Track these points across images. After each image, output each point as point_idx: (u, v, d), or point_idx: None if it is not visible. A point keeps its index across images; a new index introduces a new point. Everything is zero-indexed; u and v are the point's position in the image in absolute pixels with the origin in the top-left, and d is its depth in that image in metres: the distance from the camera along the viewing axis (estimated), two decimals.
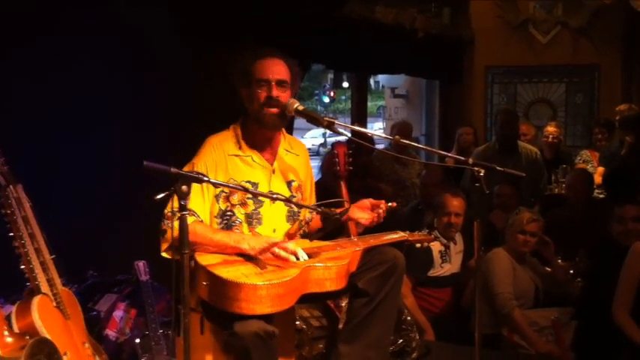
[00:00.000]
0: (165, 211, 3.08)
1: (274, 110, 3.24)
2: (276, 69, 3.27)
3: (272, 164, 3.34)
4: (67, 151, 4.79)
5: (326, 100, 25.26)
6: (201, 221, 3.14)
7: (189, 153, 3.33)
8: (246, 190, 3.06)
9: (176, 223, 2.93)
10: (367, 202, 3.48)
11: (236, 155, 3.27)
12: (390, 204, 3.50)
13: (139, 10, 4.93)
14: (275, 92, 3.23)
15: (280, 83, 3.26)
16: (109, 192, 4.89)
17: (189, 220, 2.78)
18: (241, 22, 5.61)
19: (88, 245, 4.74)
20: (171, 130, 5.11)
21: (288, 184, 3.39)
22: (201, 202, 3.15)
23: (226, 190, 3.19)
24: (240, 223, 3.23)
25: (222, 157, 3.24)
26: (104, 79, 4.92)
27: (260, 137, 3.32)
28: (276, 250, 3.03)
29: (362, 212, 3.45)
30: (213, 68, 5.37)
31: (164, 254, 3.13)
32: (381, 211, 3.45)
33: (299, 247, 3.09)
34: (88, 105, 4.85)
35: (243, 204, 3.24)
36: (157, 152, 3.29)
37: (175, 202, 3.00)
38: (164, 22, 5.11)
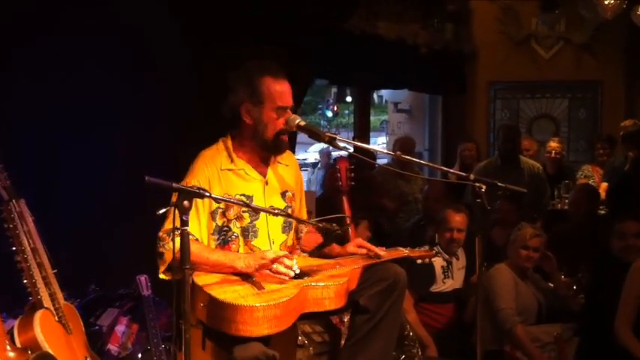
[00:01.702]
0: (160, 233, 3.06)
1: (286, 137, 3.26)
2: (290, 92, 3.25)
3: (265, 176, 3.32)
4: (69, 163, 4.78)
5: (329, 114, 25.27)
6: (197, 240, 3.11)
7: (190, 154, 3.31)
8: (247, 205, 3.05)
9: (171, 245, 2.94)
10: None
11: (229, 169, 3.24)
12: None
13: (139, 10, 4.93)
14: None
15: (292, 108, 3.27)
16: (111, 206, 4.88)
17: None
18: (244, 33, 5.61)
19: (89, 259, 4.73)
20: (171, 131, 5.10)
21: (282, 195, 3.38)
22: (196, 221, 3.11)
23: (222, 205, 3.17)
24: (237, 237, 3.21)
25: (215, 173, 3.21)
26: (104, 80, 4.91)
27: (254, 152, 3.30)
28: (275, 266, 3.02)
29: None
30: (213, 68, 5.36)
31: (162, 276, 3.11)
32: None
33: (293, 262, 3.08)
34: (88, 106, 4.84)
35: (239, 218, 3.22)
36: (158, 153, 3.29)
37: (169, 224, 3.00)
38: (164, 22, 5.11)
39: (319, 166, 12.78)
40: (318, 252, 3.44)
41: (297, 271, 3.05)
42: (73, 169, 4.77)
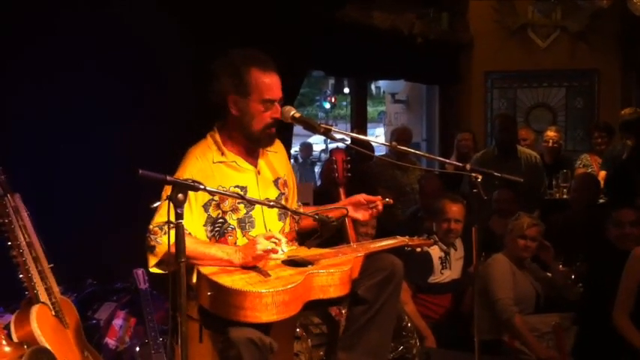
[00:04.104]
0: (151, 226, 3.04)
1: (274, 130, 3.25)
2: (279, 85, 3.23)
3: (256, 166, 3.32)
4: (66, 156, 4.78)
5: (327, 106, 25.21)
6: (190, 234, 3.07)
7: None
8: (241, 197, 3.04)
9: (164, 238, 2.93)
10: (361, 197, 3.47)
11: (221, 162, 3.24)
12: (387, 200, 3.48)
13: (138, 10, 4.92)
14: (279, 113, 3.23)
15: (280, 101, 3.25)
16: (108, 199, 4.87)
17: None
18: (240, 24, 5.59)
19: (86, 253, 4.72)
20: (171, 130, 5.08)
21: (275, 182, 3.38)
22: (188, 215, 3.08)
23: (216, 197, 3.16)
24: (234, 229, 3.20)
25: (208, 166, 3.20)
26: (104, 81, 4.91)
27: (243, 143, 3.29)
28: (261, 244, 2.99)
29: (358, 211, 3.47)
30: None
31: (154, 270, 3.10)
32: (377, 208, 3.46)
33: (282, 237, 3.09)
34: (87, 107, 4.84)
35: (235, 210, 3.21)
36: (158, 155, 3.28)
37: (160, 217, 3.00)
38: (164, 23, 5.10)
39: (299, 159, 12.80)
40: (314, 243, 3.43)
41: (283, 244, 3.07)
42: (71, 165, 4.78)
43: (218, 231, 3.20)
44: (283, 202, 3.39)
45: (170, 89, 5.23)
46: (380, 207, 3.47)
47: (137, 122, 5.07)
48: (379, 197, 3.49)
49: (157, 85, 5.21)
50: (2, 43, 4.45)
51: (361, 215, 3.49)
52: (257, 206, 3.24)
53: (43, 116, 4.67)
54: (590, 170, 7.69)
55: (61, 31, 4.69)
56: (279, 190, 3.39)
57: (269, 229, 3.28)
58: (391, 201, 3.51)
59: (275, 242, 3.03)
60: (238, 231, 3.21)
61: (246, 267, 3.01)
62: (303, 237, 3.55)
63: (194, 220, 3.14)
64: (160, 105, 5.20)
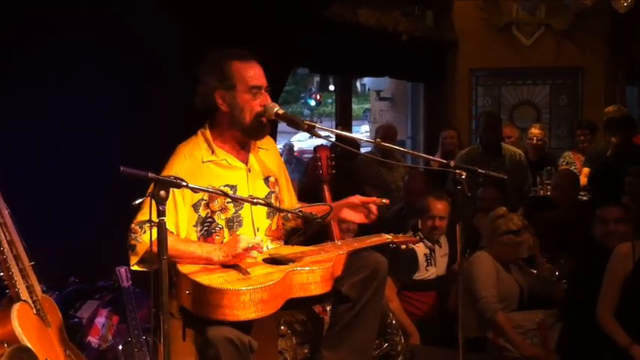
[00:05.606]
0: (132, 225, 3.03)
1: (266, 120, 3.22)
2: (262, 73, 3.23)
3: (247, 164, 3.30)
4: (63, 156, 4.77)
5: (312, 103, 25.25)
6: (171, 232, 3.05)
7: None
8: (226, 194, 3.01)
9: (145, 237, 2.94)
10: (356, 199, 3.44)
11: (210, 161, 3.22)
12: (383, 201, 3.46)
13: (138, 10, 4.90)
14: (268, 100, 3.21)
15: (266, 89, 3.23)
16: (90, 197, 4.84)
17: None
18: (235, 24, 5.58)
19: (68, 251, 4.69)
20: (171, 131, 5.06)
21: (265, 180, 3.36)
22: (172, 215, 3.07)
23: (205, 197, 3.14)
24: (221, 229, 3.19)
25: (197, 165, 3.18)
26: (103, 81, 4.89)
27: (235, 141, 3.27)
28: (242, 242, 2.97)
29: (352, 212, 3.44)
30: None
31: (135, 268, 3.09)
32: (372, 211, 3.43)
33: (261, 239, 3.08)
34: (87, 107, 4.82)
35: (224, 209, 3.19)
36: (158, 155, 3.27)
37: (142, 216, 2.99)
38: (164, 23, 5.08)
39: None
40: (297, 240, 3.42)
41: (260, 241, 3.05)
42: (67, 165, 4.77)
43: (206, 230, 3.19)
44: (273, 200, 3.37)
45: (170, 89, 5.21)
46: (374, 210, 3.44)
47: (137, 122, 5.05)
48: (374, 198, 3.47)
49: (156, 85, 5.19)
50: (2, 42, 4.42)
51: (357, 217, 3.47)
52: (246, 205, 3.22)
53: (43, 116, 4.64)
54: (573, 168, 7.73)
55: (61, 31, 4.67)
56: (270, 188, 3.37)
57: (257, 227, 3.27)
58: (387, 202, 3.49)
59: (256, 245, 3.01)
60: (226, 230, 3.20)
61: (226, 265, 3.00)
62: (289, 235, 3.54)
63: (180, 221, 3.13)
64: (160, 105, 5.18)
